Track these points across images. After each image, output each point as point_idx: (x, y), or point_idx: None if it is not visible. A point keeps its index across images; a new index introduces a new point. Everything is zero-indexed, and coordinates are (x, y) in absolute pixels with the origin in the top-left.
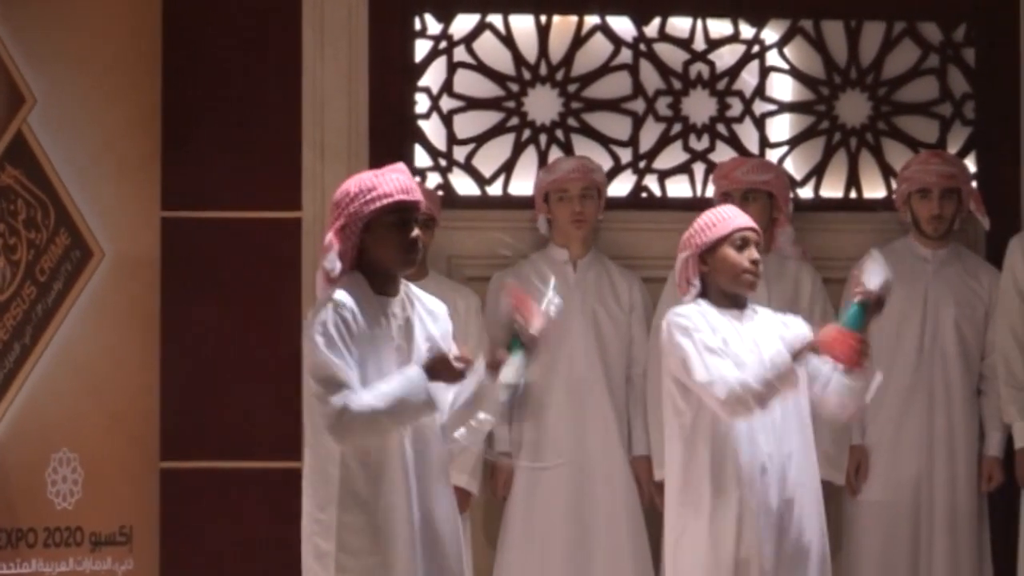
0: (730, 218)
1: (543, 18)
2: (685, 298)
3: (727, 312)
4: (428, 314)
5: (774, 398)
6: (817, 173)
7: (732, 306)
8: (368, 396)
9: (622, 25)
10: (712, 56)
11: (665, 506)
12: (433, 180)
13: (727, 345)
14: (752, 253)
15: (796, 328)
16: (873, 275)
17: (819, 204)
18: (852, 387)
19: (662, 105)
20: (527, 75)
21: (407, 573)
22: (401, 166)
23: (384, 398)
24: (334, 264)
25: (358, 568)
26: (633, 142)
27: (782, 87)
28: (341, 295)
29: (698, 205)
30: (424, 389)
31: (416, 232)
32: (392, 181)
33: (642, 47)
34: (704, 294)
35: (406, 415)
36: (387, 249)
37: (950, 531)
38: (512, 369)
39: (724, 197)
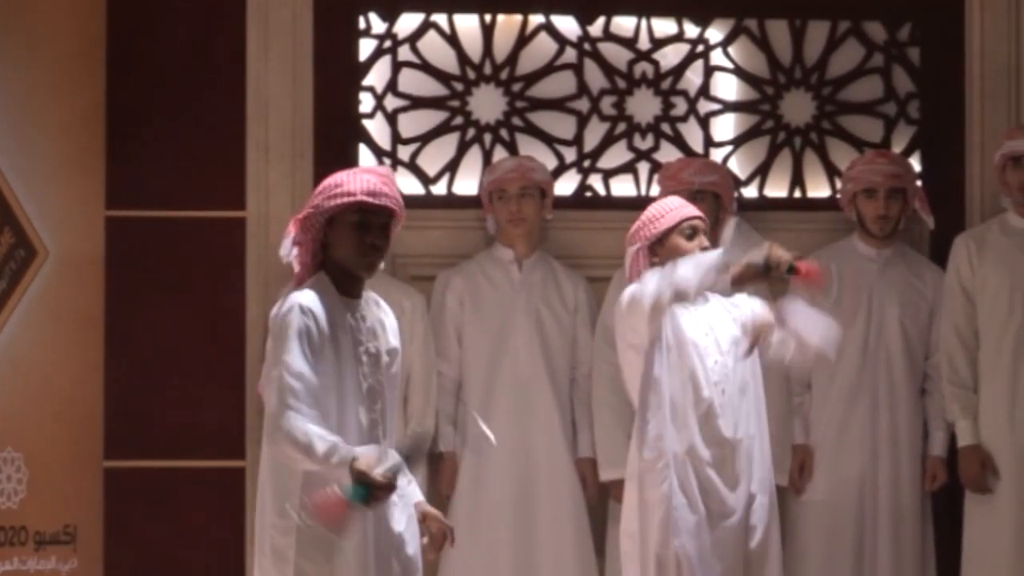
0: (677, 208)
1: (488, 17)
2: None
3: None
4: (386, 317)
5: (689, 280)
6: (761, 172)
7: None
8: (306, 429)
9: (567, 24)
10: (656, 55)
11: (624, 497)
12: None
13: (683, 330)
14: (702, 241)
15: (746, 304)
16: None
17: (763, 203)
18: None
19: (606, 104)
20: (472, 74)
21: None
22: (385, 169)
23: (312, 446)
24: (287, 251)
25: (315, 571)
26: (577, 141)
27: (726, 86)
28: (308, 299)
29: (643, 204)
30: (339, 475)
31: (375, 237)
32: (361, 181)
33: (586, 46)
34: None
35: (318, 467)
36: (345, 249)
37: (894, 531)
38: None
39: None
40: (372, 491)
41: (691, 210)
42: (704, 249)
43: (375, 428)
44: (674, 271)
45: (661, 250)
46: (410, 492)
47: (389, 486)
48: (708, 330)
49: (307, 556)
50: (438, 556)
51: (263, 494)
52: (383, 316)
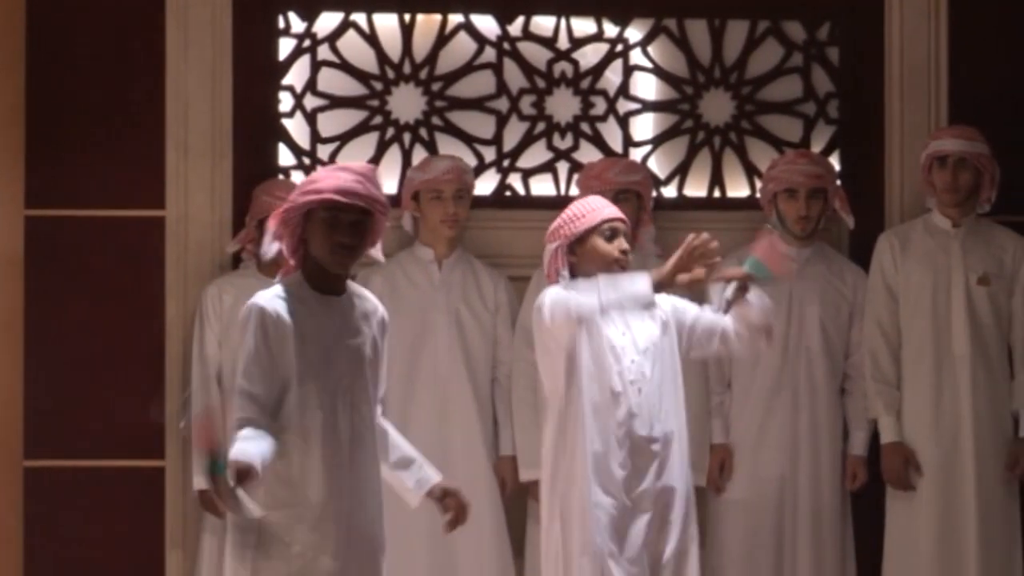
0: (599, 208)
1: (407, 16)
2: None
3: None
4: (372, 312)
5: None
6: (681, 172)
7: None
8: (241, 442)
9: (486, 24)
10: (576, 55)
11: (541, 497)
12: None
13: (600, 329)
14: (621, 243)
15: (664, 302)
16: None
17: (682, 203)
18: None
19: (526, 104)
20: (391, 73)
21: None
22: (365, 167)
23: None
24: (268, 248)
25: (278, 569)
26: (497, 141)
27: (646, 86)
28: (269, 299)
29: (562, 204)
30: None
31: (344, 235)
32: (334, 179)
33: (506, 46)
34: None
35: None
36: (317, 246)
37: (814, 530)
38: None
39: None
40: (219, 480)
41: (612, 211)
42: (623, 252)
43: (357, 425)
44: (606, 293)
45: (580, 250)
46: (425, 475)
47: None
48: (625, 330)
49: (268, 554)
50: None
51: None
52: (367, 311)
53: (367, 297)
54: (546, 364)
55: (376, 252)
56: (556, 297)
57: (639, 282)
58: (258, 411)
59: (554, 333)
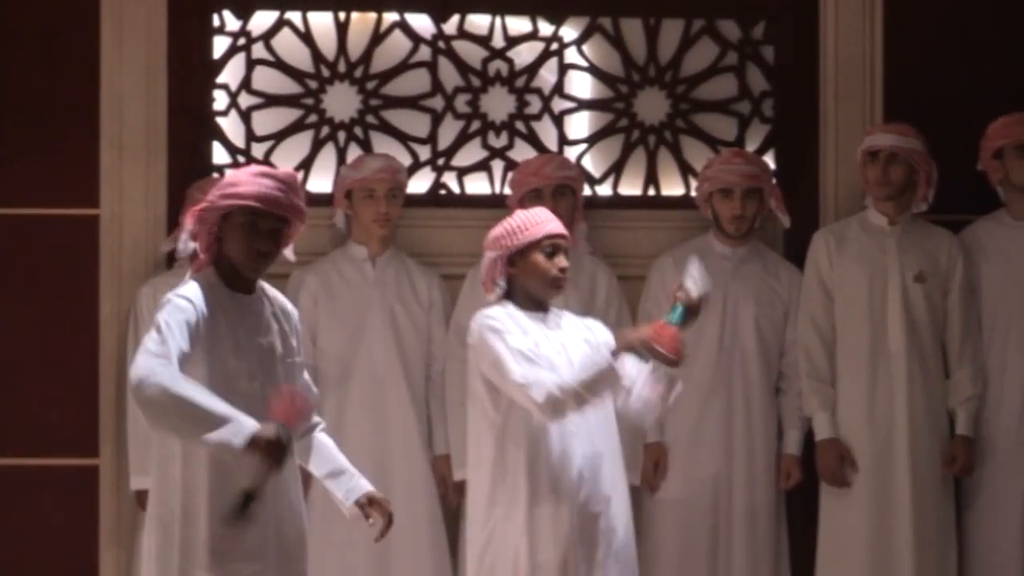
0: (542, 223)
1: (342, 15)
2: (490, 298)
3: (533, 315)
4: (282, 313)
5: (594, 400)
6: (616, 170)
7: (537, 309)
8: (179, 384)
9: (421, 22)
10: (511, 53)
11: (470, 506)
12: None
13: (538, 347)
14: (561, 261)
15: (600, 333)
16: (696, 282)
17: (617, 202)
18: (652, 396)
19: (461, 102)
20: (326, 72)
21: None
22: (287, 174)
23: (190, 401)
24: (185, 245)
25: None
26: (432, 139)
27: (581, 85)
28: (190, 292)
29: (497, 202)
30: (232, 438)
31: (262, 243)
32: (257, 185)
33: (441, 44)
34: (509, 295)
35: (189, 429)
36: (233, 249)
37: (748, 529)
38: None
39: (533, 194)
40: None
41: (556, 227)
42: (562, 271)
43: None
44: (580, 387)
45: (520, 262)
46: (355, 484)
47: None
48: (561, 348)
49: (188, 553)
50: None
51: (153, 493)
52: (278, 310)
53: (276, 295)
54: (481, 384)
55: (288, 252)
56: (531, 370)
57: (611, 381)
58: (173, 361)
59: (513, 395)
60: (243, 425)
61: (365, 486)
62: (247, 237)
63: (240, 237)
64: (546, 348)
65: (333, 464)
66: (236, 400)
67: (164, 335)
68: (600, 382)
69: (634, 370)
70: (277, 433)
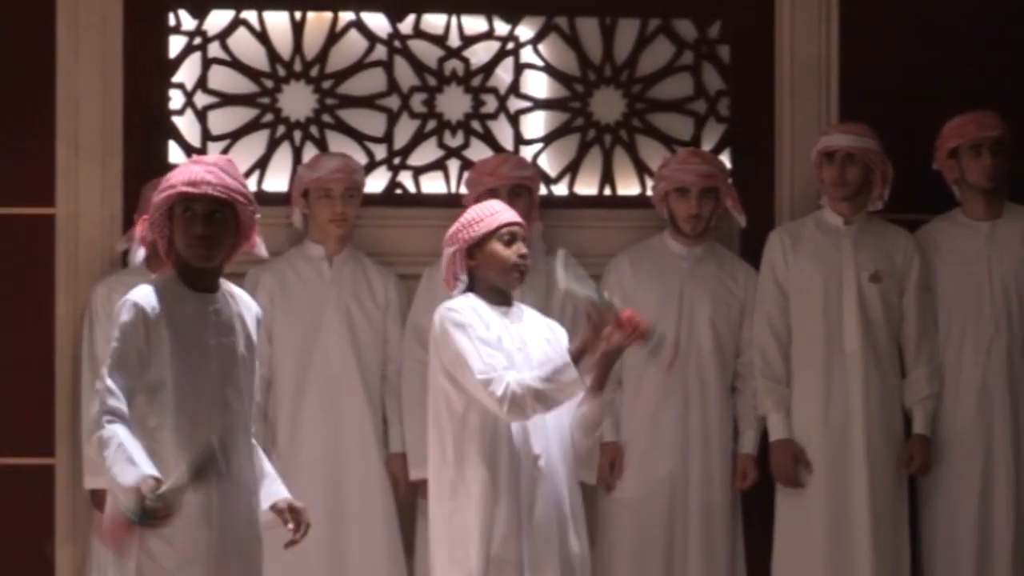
0: (497, 213)
1: (298, 14)
2: (453, 293)
3: (496, 308)
4: (245, 310)
5: (553, 403)
6: (572, 170)
7: (500, 302)
8: (108, 444)
9: (377, 21)
10: (467, 53)
11: (432, 501)
12: None
13: (500, 342)
14: (520, 248)
15: (562, 337)
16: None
17: (573, 201)
18: (588, 421)
19: (417, 102)
20: (282, 71)
21: None
22: (217, 159)
23: (112, 459)
24: (135, 254)
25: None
26: (388, 138)
27: (537, 84)
28: (143, 296)
29: (453, 201)
30: (131, 492)
31: (200, 227)
32: (185, 172)
33: (397, 44)
34: (471, 289)
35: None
36: (178, 242)
37: (704, 528)
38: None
39: (489, 194)
40: (150, 513)
41: (511, 216)
42: (522, 257)
43: (232, 422)
44: (541, 386)
45: (479, 254)
46: (274, 490)
47: (163, 510)
48: (521, 345)
49: (150, 556)
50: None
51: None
52: (242, 310)
53: (240, 294)
54: (444, 378)
55: (259, 248)
56: (483, 354)
57: (571, 381)
58: (120, 403)
59: (473, 392)
60: (131, 491)
61: (284, 492)
62: (186, 225)
63: (181, 227)
64: (508, 343)
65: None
66: (195, 402)
67: (109, 384)
68: (561, 386)
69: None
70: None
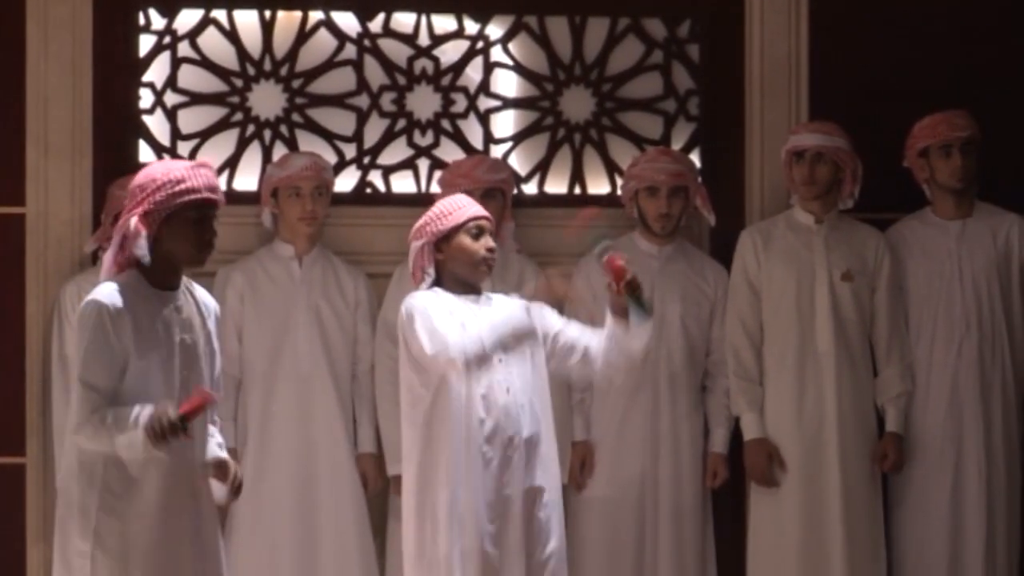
0: (465, 207)
1: (267, 13)
2: (421, 286)
3: (464, 297)
4: (204, 307)
5: (504, 345)
6: (541, 169)
7: (468, 293)
8: (93, 437)
9: (346, 20)
10: (436, 52)
11: (404, 496)
12: None
13: (465, 328)
14: (488, 241)
15: (534, 309)
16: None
17: (543, 200)
18: (619, 338)
19: (386, 101)
20: (251, 70)
21: None
22: (206, 163)
23: (106, 443)
24: (144, 251)
25: (114, 571)
26: (357, 138)
27: (506, 83)
28: (109, 294)
29: (423, 201)
30: (140, 451)
31: (212, 233)
32: (201, 177)
33: (366, 43)
34: (439, 283)
35: (128, 443)
36: (183, 244)
37: (675, 528)
38: None
39: None
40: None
41: (478, 209)
42: (490, 251)
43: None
44: (489, 338)
45: (446, 248)
46: (210, 447)
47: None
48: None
49: (107, 551)
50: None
51: (62, 495)
52: (202, 307)
53: (199, 292)
54: (410, 370)
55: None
56: (436, 332)
57: (516, 315)
58: (103, 401)
59: (429, 362)
60: (136, 433)
61: (216, 452)
62: (198, 229)
63: (190, 231)
64: (473, 327)
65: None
66: (158, 399)
67: (89, 385)
68: (514, 329)
69: (579, 336)
70: (163, 415)
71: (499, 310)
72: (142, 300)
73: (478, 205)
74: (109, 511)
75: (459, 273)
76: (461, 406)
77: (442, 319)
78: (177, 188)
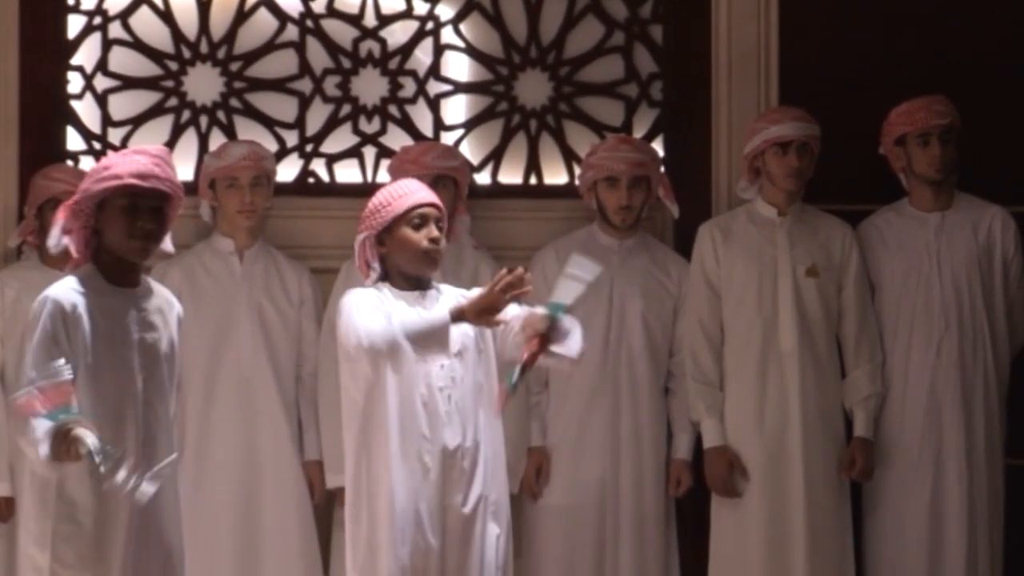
0: (407, 194)
1: None
2: (367, 282)
3: (409, 294)
4: (168, 307)
5: (420, 347)
6: (495, 157)
7: (415, 288)
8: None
9: (288, 0)
10: (383, 33)
11: (346, 506)
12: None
13: (390, 321)
14: (431, 231)
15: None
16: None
17: (497, 190)
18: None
19: (330, 85)
20: (187, 53)
21: None
22: (159, 149)
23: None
24: (57, 240)
25: (73, 550)
26: (299, 124)
27: (458, 66)
28: (62, 292)
29: (369, 190)
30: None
31: (146, 221)
32: (133, 163)
33: (309, 23)
34: (386, 277)
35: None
36: (115, 234)
37: (636, 536)
38: None
39: None
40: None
41: (422, 196)
42: (433, 241)
43: (151, 422)
44: (412, 338)
45: (389, 240)
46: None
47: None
48: None
49: (64, 563)
50: None
51: (23, 506)
52: (163, 305)
53: (162, 291)
54: (347, 368)
55: (166, 243)
56: (367, 322)
57: (439, 327)
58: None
59: (362, 354)
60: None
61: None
62: (129, 218)
63: (121, 219)
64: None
65: None
66: (116, 399)
67: (40, 358)
68: (427, 333)
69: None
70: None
71: (441, 306)
72: (101, 297)
73: (425, 190)
74: (64, 519)
75: (403, 267)
76: (395, 413)
77: (372, 313)
78: (102, 175)
